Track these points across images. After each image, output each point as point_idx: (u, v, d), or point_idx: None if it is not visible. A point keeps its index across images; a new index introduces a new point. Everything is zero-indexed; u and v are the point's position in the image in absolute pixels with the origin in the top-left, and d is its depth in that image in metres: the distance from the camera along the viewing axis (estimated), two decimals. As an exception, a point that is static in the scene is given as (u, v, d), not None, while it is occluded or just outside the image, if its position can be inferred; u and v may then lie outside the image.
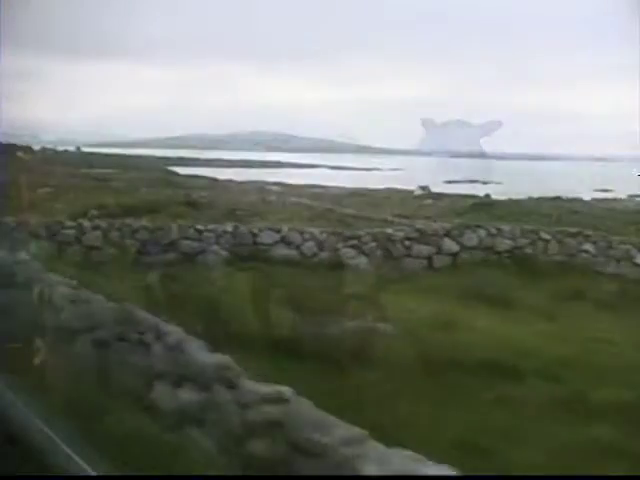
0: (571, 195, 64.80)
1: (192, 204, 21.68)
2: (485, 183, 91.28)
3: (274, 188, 58.37)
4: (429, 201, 52.22)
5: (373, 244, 16.20)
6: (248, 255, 15.42)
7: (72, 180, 32.42)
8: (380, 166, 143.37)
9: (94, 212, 20.26)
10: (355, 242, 16.16)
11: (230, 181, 66.97)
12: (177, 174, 74.92)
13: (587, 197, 68.32)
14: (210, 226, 15.79)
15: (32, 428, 1.73)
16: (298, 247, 16.06)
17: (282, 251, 15.88)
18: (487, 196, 59.28)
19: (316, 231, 16.04)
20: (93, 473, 1.61)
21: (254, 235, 15.95)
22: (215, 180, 64.82)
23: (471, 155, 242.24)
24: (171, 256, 15.46)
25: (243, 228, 15.91)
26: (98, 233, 15.46)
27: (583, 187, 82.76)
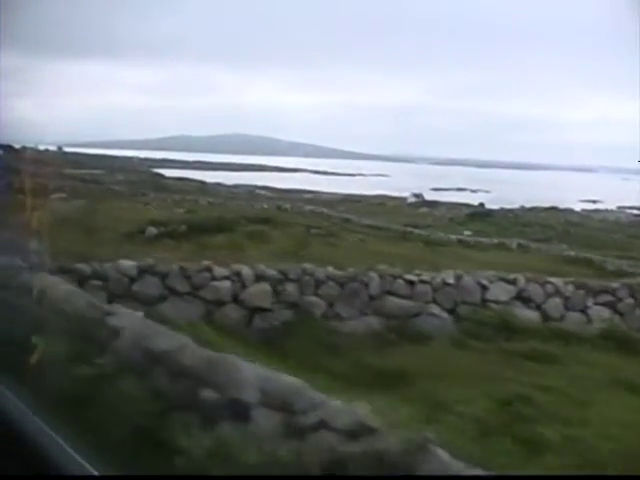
0: (562, 205, 64.93)
1: (266, 220, 17.68)
2: (474, 191, 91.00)
3: (263, 192, 57.46)
4: (424, 209, 51.69)
5: (630, 300, 12.36)
6: (484, 320, 10.91)
7: (70, 183, 30.90)
8: (364, 171, 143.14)
9: (153, 230, 15.54)
10: (609, 298, 12.36)
11: (219, 184, 65.82)
12: (163, 176, 73.53)
13: (577, 208, 68.50)
14: (425, 275, 11.51)
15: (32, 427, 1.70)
16: (539, 306, 11.93)
17: (521, 312, 11.59)
18: (481, 205, 58.96)
19: (559, 282, 12.00)
20: (95, 473, 1.59)
21: (483, 288, 11.81)
22: (203, 183, 63.66)
23: (454, 162, 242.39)
24: (373, 321, 10.96)
25: (468, 278, 11.67)
26: (266, 286, 10.77)
27: (570, 197, 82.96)
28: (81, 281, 9.12)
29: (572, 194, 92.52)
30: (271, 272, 10.79)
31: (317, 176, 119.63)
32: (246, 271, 10.69)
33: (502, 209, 54.92)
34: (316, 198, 54.87)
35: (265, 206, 25.66)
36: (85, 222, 14.23)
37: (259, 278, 10.79)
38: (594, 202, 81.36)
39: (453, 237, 22.55)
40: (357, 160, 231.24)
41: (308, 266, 11.13)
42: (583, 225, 40.69)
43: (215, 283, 10.54)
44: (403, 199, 62.19)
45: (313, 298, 10.97)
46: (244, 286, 10.69)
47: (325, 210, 25.96)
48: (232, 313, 10.55)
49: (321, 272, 11.04)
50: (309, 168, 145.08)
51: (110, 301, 8.30)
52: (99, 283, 9.69)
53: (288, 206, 26.37)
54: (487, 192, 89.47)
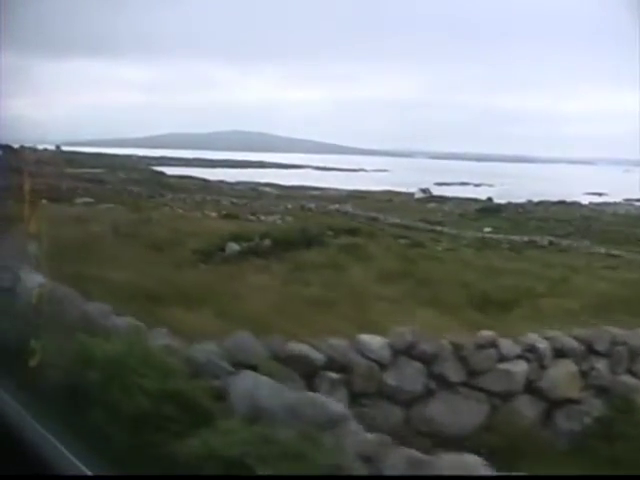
0: (569, 199, 64.45)
1: (353, 231, 16.29)
2: (477, 185, 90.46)
3: (268, 190, 56.98)
4: (433, 204, 51.26)
5: None
6: None
7: (82, 184, 30.20)
8: (365, 167, 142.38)
9: (234, 246, 12.96)
10: None
11: (221, 182, 65.31)
12: (164, 174, 72.93)
13: (584, 201, 67.99)
14: None
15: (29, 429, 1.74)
16: None
17: None
18: (489, 199, 58.56)
19: None
20: (89, 473, 1.62)
21: None
22: (206, 181, 63.17)
23: (453, 157, 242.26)
24: None
25: None
26: (570, 366, 7.49)
27: (574, 190, 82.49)
28: (309, 373, 6.08)
29: (576, 187, 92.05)
30: (571, 343, 7.48)
31: (318, 172, 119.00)
32: (542, 344, 7.29)
33: (510, 204, 54.52)
34: (323, 195, 54.41)
35: (289, 206, 25.08)
36: (143, 236, 12.58)
37: (559, 354, 7.40)
38: (600, 195, 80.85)
39: (478, 234, 22.06)
40: (356, 155, 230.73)
41: (618, 332, 7.88)
42: (597, 219, 40.20)
43: (504, 366, 7.12)
44: (409, 194, 61.72)
45: (628, 378, 7.72)
46: (542, 366, 7.29)
47: (350, 209, 25.34)
48: (525, 409, 7.09)
49: (636, 339, 7.88)
50: (309, 164, 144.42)
51: (355, 402, 5.86)
52: (336, 376, 6.23)
53: (312, 205, 25.75)
54: (490, 186, 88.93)
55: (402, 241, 16.78)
